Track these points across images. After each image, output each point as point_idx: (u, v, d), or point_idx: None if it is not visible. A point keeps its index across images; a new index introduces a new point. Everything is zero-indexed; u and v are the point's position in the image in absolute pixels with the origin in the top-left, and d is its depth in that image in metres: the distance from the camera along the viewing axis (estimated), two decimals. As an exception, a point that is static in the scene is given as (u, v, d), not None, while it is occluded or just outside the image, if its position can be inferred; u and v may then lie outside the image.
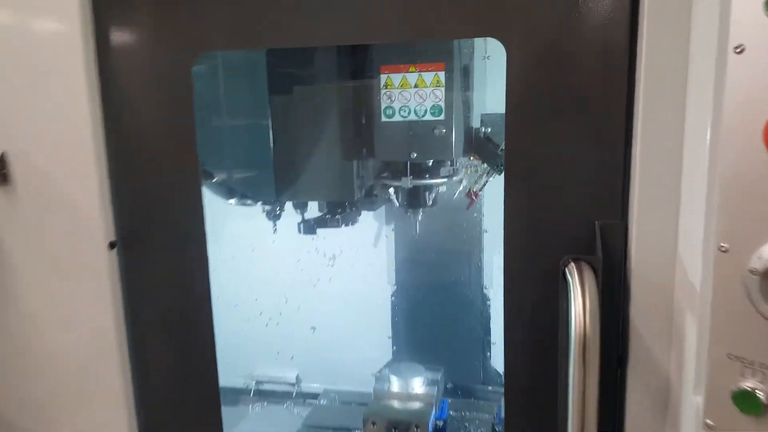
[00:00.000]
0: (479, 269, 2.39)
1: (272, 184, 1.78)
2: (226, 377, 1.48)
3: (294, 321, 2.73)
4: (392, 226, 2.45)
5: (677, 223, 1.06)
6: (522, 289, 1.22)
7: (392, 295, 2.48)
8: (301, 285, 2.66)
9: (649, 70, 1.03)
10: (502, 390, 2.36)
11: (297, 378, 2.78)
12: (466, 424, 2.16)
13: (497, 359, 2.44)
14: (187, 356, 1.48)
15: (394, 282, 2.49)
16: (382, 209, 2.36)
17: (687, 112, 1.03)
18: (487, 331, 2.45)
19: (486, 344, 2.45)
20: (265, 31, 1.29)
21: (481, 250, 2.38)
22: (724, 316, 0.87)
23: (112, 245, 1.40)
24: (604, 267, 1.08)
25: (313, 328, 2.73)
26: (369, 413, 1.87)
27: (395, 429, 1.81)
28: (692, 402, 0.98)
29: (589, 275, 1.03)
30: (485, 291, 2.42)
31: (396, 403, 1.93)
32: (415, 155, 1.61)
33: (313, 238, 2.19)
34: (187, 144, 1.36)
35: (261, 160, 1.77)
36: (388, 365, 2.43)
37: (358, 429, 1.92)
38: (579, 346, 0.98)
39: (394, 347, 2.50)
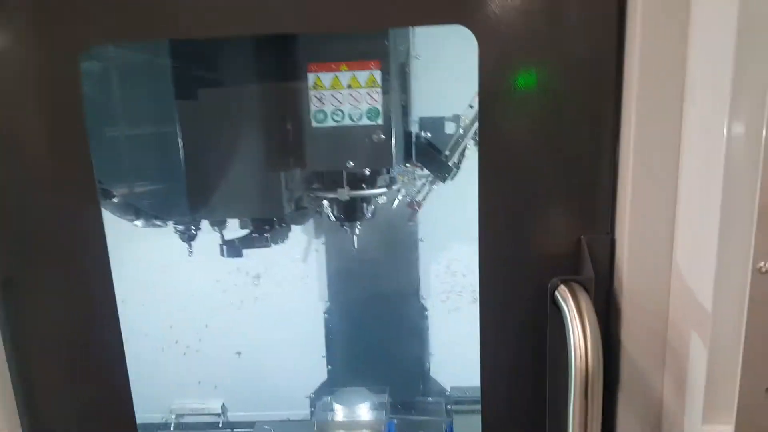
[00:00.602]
0: (416, 280, 2.29)
1: (184, 201, 1.55)
2: (141, 413, 1.27)
3: (216, 347, 2.56)
4: (322, 239, 2.29)
5: (673, 236, 0.95)
6: (499, 311, 1.08)
7: (325, 312, 2.35)
8: (223, 307, 2.48)
9: (644, 61, 0.89)
10: (444, 401, 2.33)
11: (222, 408, 2.60)
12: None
13: (437, 370, 2.38)
14: (96, 400, 1.25)
15: (326, 298, 2.36)
16: (310, 221, 2.18)
17: (686, 104, 0.90)
18: (426, 343, 2.36)
19: (426, 356, 2.37)
20: (169, 18, 1.05)
21: (417, 260, 2.28)
22: (762, 346, 0.76)
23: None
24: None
25: (239, 353, 2.57)
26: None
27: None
28: (699, 431, 0.88)
29: (585, 301, 0.91)
30: (422, 302, 2.34)
31: (340, 435, 1.77)
32: (352, 164, 1.45)
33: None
34: (80, 158, 1.10)
35: (171, 175, 1.54)
36: (324, 386, 2.29)
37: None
38: (581, 381, 0.89)
39: (329, 367, 2.37)
